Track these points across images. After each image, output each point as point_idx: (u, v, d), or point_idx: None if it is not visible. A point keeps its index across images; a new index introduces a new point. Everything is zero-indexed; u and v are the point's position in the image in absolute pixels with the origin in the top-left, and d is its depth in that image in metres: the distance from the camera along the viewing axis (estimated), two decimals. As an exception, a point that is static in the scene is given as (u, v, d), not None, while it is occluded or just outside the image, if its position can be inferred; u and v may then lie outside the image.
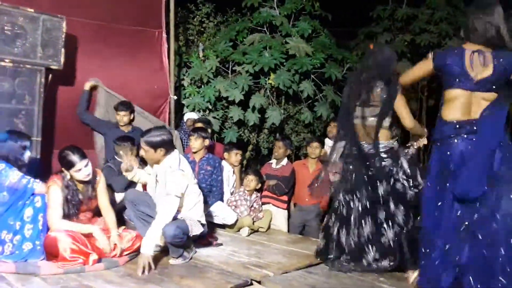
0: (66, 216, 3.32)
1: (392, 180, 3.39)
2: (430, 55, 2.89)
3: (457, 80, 2.72)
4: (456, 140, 2.71)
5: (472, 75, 2.69)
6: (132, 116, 5.06)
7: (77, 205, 3.39)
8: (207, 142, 4.71)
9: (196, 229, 3.57)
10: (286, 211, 5.09)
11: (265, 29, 6.76)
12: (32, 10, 4.27)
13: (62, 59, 4.46)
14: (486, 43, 2.69)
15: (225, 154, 5.20)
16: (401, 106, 3.33)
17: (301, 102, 6.75)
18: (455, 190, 2.67)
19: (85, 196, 3.44)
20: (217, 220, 4.54)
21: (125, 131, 4.98)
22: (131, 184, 4.24)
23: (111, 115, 5.14)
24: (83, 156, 3.35)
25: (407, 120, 3.33)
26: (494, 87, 2.69)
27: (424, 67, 2.96)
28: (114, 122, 5.05)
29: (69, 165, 3.32)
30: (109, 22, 5.27)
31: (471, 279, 2.57)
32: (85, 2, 5.06)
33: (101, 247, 3.30)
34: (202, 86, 6.58)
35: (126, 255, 3.44)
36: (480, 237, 2.58)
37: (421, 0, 7.55)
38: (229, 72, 6.70)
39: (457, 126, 2.71)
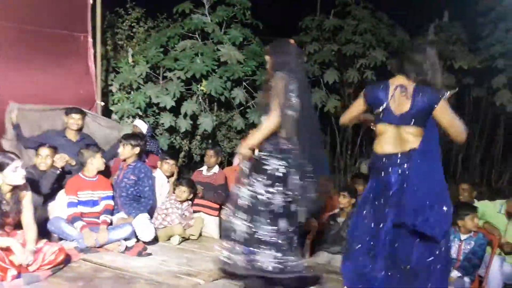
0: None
1: None
2: (362, 93, 2.95)
3: (382, 114, 2.81)
4: (383, 173, 2.80)
5: (393, 109, 2.77)
6: (83, 122, 4.91)
7: (2, 215, 3.25)
8: (137, 150, 4.60)
9: None
10: (217, 217, 5.09)
11: (196, 35, 6.75)
12: None
13: (-20, 64, 4.21)
14: (411, 78, 2.78)
15: (159, 163, 5.12)
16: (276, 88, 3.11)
17: (233, 109, 6.81)
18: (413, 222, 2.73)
19: (11, 207, 3.29)
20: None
21: (73, 140, 4.80)
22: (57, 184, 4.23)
23: (43, 128, 4.89)
24: (17, 156, 3.34)
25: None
26: (414, 120, 2.73)
27: (359, 106, 2.99)
28: (59, 130, 4.85)
29: (4, 164, 3.20)
30: (32, 26, 5.01)
31: None
32: (6, 5, 4.78)
33: (18, 262, 3.13)
34: (132, 92, 6.44)
35: (48, 269, 3.28)
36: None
37: (347, 12, 7.89)
38: (160, 78, 6.61)
39: (386, 159, 2.79)
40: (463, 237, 4.00)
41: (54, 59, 5.23)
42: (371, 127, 3.12)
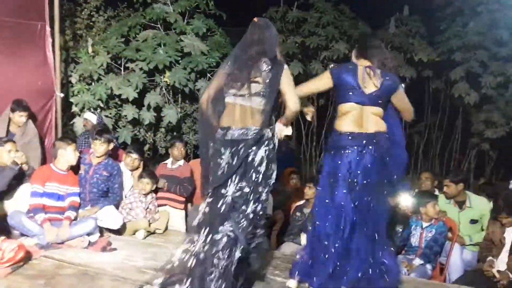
0: None
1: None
2: (328, 72, 3.05)
3: (351, 93, 2.95)
4: (347, 151, 2.92)
5: (363, 88, 2.94)
6: (27, 118, 4.67)
7: None
8: (111, 146, 4.53)
9: None
10: (183, 211, 5.03)
11: (159, 25, 6.60)
12: None
13: None
14: (377, 63, 3.00)
15: (124, 156, 4.99)
16: (289, 84, 2.87)
17: (198, 101, 6.71)
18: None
19: None
20: (102, 224, 4.23)
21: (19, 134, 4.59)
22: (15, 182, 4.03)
23: None
24: None
25: (295, 99, 2.85)
26: (380, 102, 2.97)
27: (325, 80, 3.05)
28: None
29: None
30: (-15, 14, 4.78)
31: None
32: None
33: None
34: (93, 83, 6.25)
35: (7, 266, 3.14)
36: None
37: (310, 4, 7.92)
38: (122, 69, 6.44)
39: (350, 137, 2.93)
40: (424, 224, 4.11)
41: (9, 49, 4.98)
42: (309, 119, 3.42)
